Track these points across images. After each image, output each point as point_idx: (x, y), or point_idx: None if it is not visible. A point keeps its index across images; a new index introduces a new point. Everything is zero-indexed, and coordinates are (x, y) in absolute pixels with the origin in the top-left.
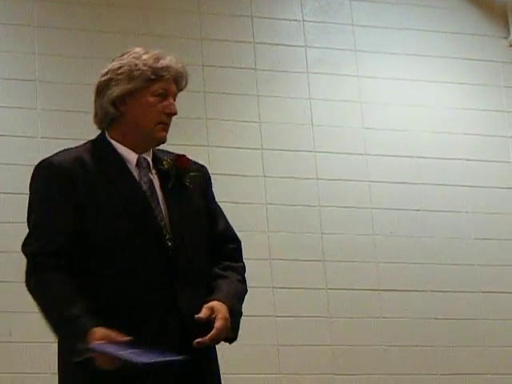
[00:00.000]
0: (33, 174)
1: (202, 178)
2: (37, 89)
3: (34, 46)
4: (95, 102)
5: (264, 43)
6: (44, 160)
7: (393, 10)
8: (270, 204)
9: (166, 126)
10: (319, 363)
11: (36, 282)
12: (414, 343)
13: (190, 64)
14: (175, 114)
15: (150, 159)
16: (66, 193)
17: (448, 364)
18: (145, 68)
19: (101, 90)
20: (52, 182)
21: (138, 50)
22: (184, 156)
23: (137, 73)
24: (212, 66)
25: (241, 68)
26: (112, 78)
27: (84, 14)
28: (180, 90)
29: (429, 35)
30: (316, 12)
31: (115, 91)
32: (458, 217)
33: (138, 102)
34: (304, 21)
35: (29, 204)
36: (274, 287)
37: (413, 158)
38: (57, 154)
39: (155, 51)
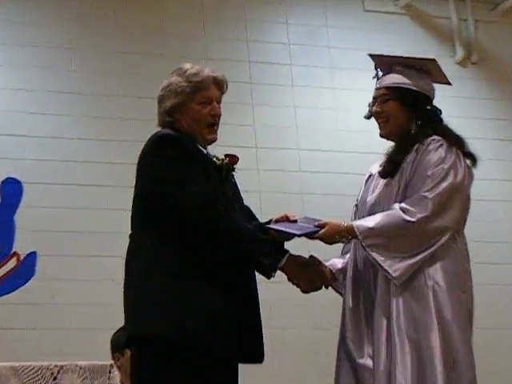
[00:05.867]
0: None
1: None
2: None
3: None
4: (158, 109)
5: (257, 62)
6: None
7: (360, 35)
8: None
9: (213, 128)
10: None
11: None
12: None
13: None
14: (219, 115)
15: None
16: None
17: None
18: (185, 84)
19: (159, 101)
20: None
21: (185, 66)
22: (235, 156)
23: (179, 89)
24: None
25: (238, 82)
26: (164, 94)
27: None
28: (223, 93)
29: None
30: (299, 36)
31: (167, 104)
32: None
33: (186, 110)
34: (290, 44)
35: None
36: None
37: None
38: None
39: (197, 66)
